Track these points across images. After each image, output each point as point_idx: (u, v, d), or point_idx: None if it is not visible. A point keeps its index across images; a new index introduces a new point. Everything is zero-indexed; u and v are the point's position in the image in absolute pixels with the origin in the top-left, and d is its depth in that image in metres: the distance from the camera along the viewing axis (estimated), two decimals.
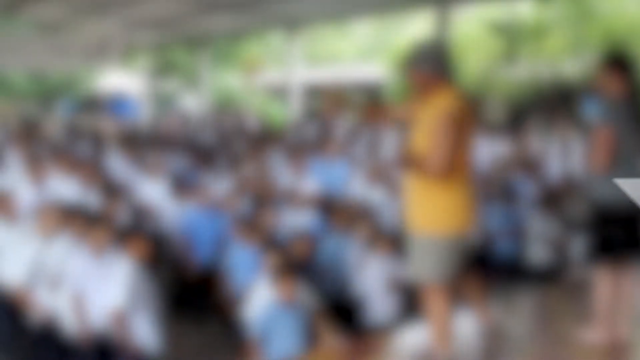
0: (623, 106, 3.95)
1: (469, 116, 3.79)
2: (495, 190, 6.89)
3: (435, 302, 3.80)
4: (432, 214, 3.75)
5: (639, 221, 3.97)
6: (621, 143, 3.88)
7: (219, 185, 7.37)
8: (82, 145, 10.28)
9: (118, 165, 8.70)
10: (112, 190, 6.67)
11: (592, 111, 4.05)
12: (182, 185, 7.10)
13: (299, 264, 4.86)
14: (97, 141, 10.75)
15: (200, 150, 9.67)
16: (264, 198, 6.59)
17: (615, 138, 3.86)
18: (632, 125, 3.93)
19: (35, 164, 6.92)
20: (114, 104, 23.21)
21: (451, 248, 3.74)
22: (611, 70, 4.00)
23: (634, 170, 3.94)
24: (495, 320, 3.87)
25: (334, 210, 6.10)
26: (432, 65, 3.71)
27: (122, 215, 6.16)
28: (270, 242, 5.33)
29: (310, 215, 6.27)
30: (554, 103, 14.89)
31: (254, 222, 5.77)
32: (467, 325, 4.04)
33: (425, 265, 3.79)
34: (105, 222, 4.99)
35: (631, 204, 4.06)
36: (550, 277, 6.21)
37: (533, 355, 4.10)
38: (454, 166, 3.66)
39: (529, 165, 7.98)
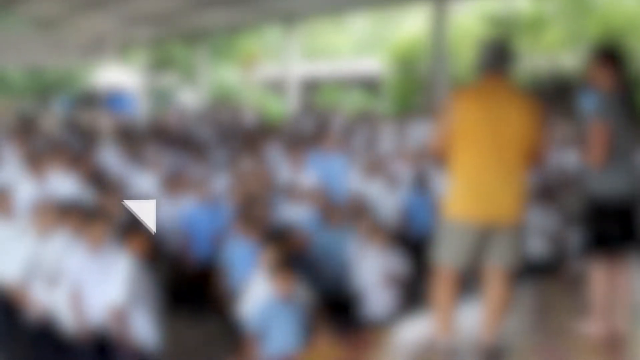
0: (615, 99, 3.95)
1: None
2: None
3: (438, 286, 3.80)
4: (449, 196, 3.77)
5: (634, 214, 3.98)
6: (615, 136, 3.88)
7: (217, 179, 7.37)
8: (79, 141, 10.26)
9: (115, 160, 8.69)
10: (109, 185, 6.66)
11: (587, 105, 4.05)
12: (179, 180, 7.09)
13: (296, 259, 4.86)
14: (95, 137, 10.74)
15: (198, 144, 9.66)
16: (262, 192, 6.58)
17: (609, 131, 3.86)
18: (625, 118, 3.93)
19: (33, 160, 6.91)
20: (111, 100, 23.16)
21: (463, 233, 3.68)
22: (602, 64, 4.00)
23: (629, 163, 3.95)
24: (497, 342, 3.82)
25: (331, 204, 6.09)
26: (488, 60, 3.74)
27: (120, 211, 6.15)
28: (268, 237, 5.32)
29: (308, 209, 6.26)
30: (551, 96, 14.88)
31: (252, 217, 5.75)
32: (471, 318, 4.03)
33: (437, 247, 3.81)
34: (103, 217, 4.97)
35: (626, 197, 4.05)
36: (547, 270, 6.21)
37: (530, 348, 4.11)
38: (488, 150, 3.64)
39: None
